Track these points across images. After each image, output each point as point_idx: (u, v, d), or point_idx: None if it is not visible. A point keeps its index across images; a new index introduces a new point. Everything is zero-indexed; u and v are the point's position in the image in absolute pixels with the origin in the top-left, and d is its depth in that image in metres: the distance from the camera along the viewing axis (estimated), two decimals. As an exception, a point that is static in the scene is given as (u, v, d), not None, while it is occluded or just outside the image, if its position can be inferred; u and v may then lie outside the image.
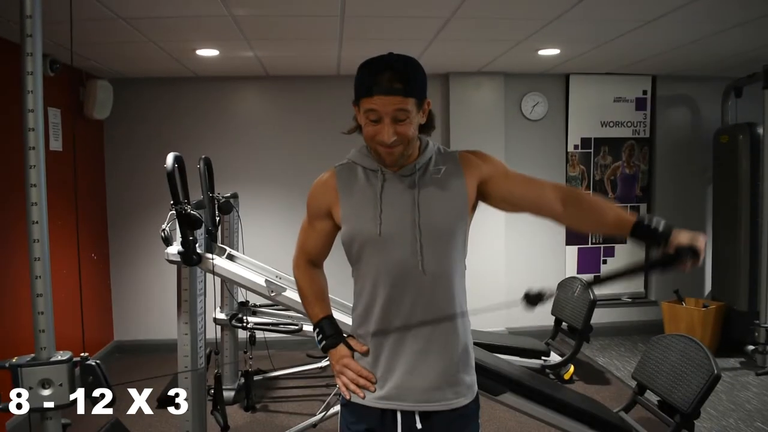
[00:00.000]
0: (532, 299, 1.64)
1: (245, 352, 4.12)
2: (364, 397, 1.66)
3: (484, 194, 1.70)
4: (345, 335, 1.78)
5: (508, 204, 1.72)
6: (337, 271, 2.26)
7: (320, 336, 1.78)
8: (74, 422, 3.89)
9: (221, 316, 4.30)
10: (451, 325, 1.66)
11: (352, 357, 1.72)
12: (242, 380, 4.26)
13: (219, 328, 4.40)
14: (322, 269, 1.89)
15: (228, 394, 4.22)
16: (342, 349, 1.73)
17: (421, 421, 1.64)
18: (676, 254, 1.52)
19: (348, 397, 1.69)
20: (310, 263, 1.85)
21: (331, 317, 1.81)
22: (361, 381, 1.67)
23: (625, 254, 5.89)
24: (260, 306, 4.38)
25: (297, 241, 1.85)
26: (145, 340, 5.48)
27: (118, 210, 5.47)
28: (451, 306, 1.65)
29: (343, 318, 2.78)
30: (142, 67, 4.94)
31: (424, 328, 1.62)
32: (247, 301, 4.34)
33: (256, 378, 4.43)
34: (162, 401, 4.21)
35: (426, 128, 1.68)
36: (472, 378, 1.72)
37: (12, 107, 3.74)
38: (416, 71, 1.57)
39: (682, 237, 1.54)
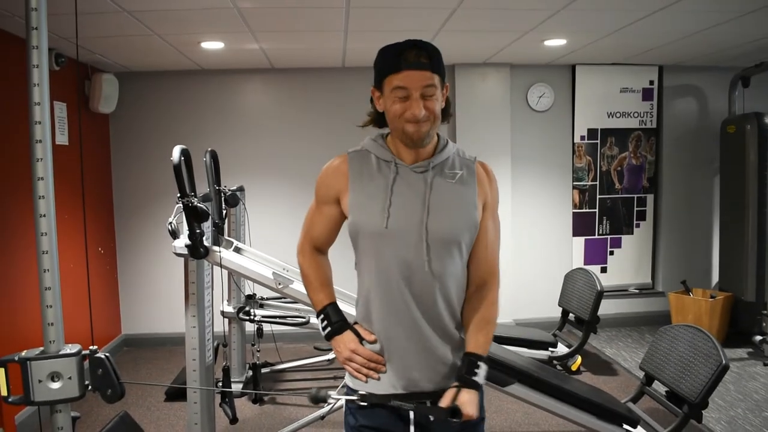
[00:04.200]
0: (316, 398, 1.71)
1: (253, 345, 4.14)
2: (379, 379, 1.66)
3: None
4: (351, 323, 1.76)
5: None
6: (341, 263, 2.26)
7: (325, 323, 1.75)
8: (83, 415, 3.92)
9: (228, 309, 4.31)
10: (453, 321, 1.67)
11: (360, 344, 1.70)
12: (250, 373, 4.27)
13: (227, 321, 4.41)
14: (326, 256, 1.87)
15: (236, 387, 4.24)
16: (348, 335, 1.71)
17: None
18: (445, 408, 1.59)
19: (364, 381, 1.67)
20: (315, 249, 1.82)
21: (335, 304, 1.78)
22: (372, 365, 1.66)
23: (633, 246, 5.88)
24: (267, 299, 4.39)
25: (303, 225, 1.83)
26: (152, 333, 5.50)
27: (124, 204, 5.48)
28: (453, 303, 1.66)
29: (348, 309, 2.79)
30: (148, 61, 4.94)
31: (427, 324, 1.63)
32: (254, 294, 4.35)
33: (263, 370, 4.45)
34: (170, 394, 4.23)
35: (445, 114, 1.67)
36: None
37: (18, 102, 3.76)
38: (438, 52, 1.59)
39: (464, 399, 1.58)
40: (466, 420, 1.58)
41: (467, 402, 1.58)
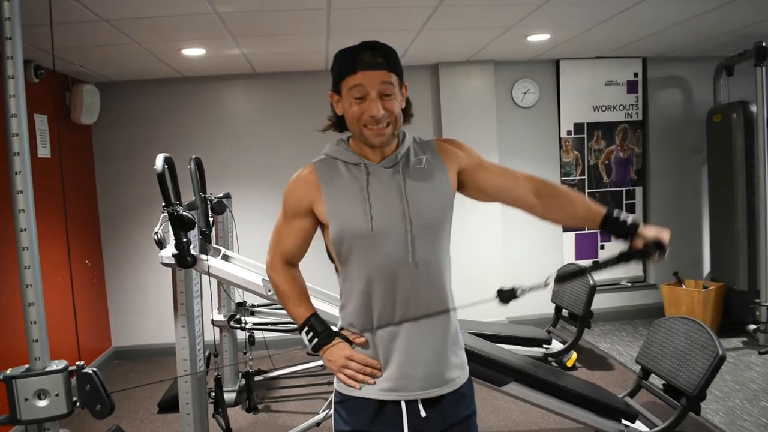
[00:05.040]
0: (505, 295, 1.66)
1: (244, 353, 4.08)
2: (374, 383, 1.63)
3: (460, 183, 1.72)
4: (337, 329, 1.73)
5: (484, 194, 1.74)
6: (317, 262, 2.20)
7: (311, 334, 1.71)
8: (75, 431, 3.84)
9: (219, 317, 4.26)
10: (444, 306, 1.64)
11: (352, 349, 1.67)
12: (243, 381, 4.22)
13: (217, 329, 4.35)
14: (298, 269, 1.82)
15: (229, 396, 4.19)
16: (339, 342, 1.68)
17: (424, 409, 1.63)
18: (644, 249, 1.63)
19: (359, 388, 1.64)
20: (287, 264, 1.78)
21: (317, 314, 1.75)
22: (368, 370, 1.63)
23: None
24: (258, 306, 4.33)
25: (270, 242, 1.78)
26: (143, 345, 5.43)
27: (110, 215, 5.41)
28: (442, 294, 1.64)
29: (326, 307, 2.77)
30: (128, 70, 4.88)
31: (423, 313, 1.60)
32: (245, 302, 4.29)
33: (257, 378, 4.39)
34: (163, 406, 4.17)
35: (406, 114, 1.66)
36: (463, 358, 1.73)
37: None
38: (394, 52, 1.59)
39: (649, 232, 1.63)
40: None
41: (655, 231, 1.63)
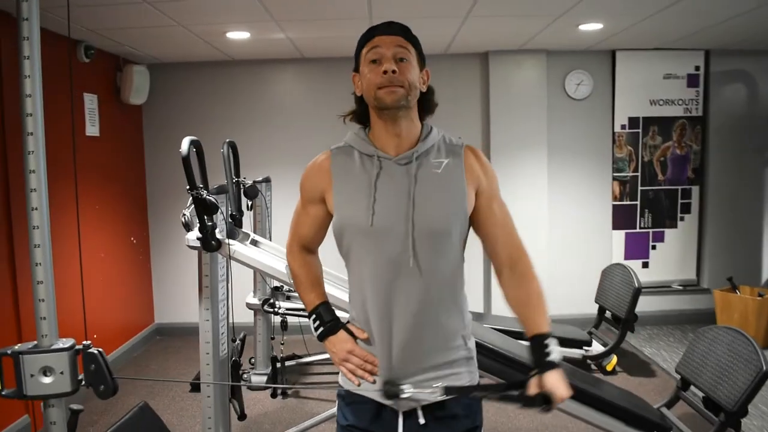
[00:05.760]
0: (390, 390, 1.55)
1: (272, 338, 4.09)
2: (374, 382, 1.58)
3: None
4: (344, 321, 1.69)
5: (476, 228, 1.64)
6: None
7: (317, 323, 1.69)
8: (102, 406, 3.95)
9: (253, 301, 4.28)
10: (447, 320, 1.56)
11: (355, 343, 1.64)
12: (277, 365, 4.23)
13: (252, 313, 4.38)
14: (316, 255, 1.80)
15: (261, 379, 4.22)
16: (342, 335, 1.64)
17: (423, 416, 1.57)
18: (533, 397, 1.51)
19: (357, 384, 1.60)
20: (303, 249, 1.76)
21: (327, 303, 1.72)
22: (368, 366, 1.59)
23: (676, 240, 5.62)
24: (294, 291, 4.33)
25: (290, 225, 1.77)
26: (184, 323, 5.52)
27: (157, 194, 5.52)
28: (446, 302, 1.56)
29: (343, 295, 2.72)
30: (177, 52, 4.93)
31: (419, 324, 1.53)
32: (281, 287, 4.30)
33: (289, 363, 4.40)
34: (195, 385, 4.24)
35: (426, 103, 1.61)
36: (471, 368, 1.65)
37: (54, 95, 3.80)
38: (414, 34, 1.59)
39: (552, 382, 1.49)
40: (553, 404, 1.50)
41: (555, 385, 1.49)
